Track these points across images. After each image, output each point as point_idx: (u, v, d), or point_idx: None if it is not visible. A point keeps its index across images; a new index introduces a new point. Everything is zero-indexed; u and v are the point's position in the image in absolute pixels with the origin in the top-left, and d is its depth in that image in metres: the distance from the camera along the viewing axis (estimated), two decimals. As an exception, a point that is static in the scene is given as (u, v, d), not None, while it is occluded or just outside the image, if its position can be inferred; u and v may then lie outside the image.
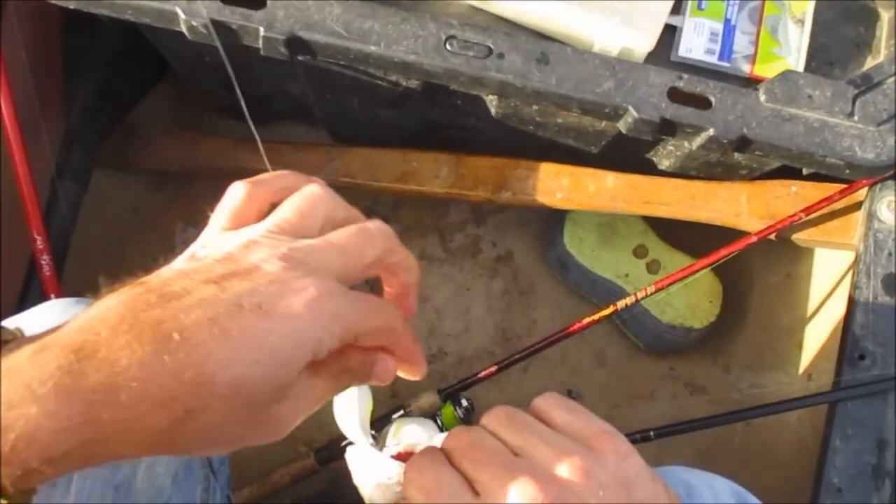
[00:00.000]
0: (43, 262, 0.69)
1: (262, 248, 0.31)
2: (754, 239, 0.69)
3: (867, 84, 0.61)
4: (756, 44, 0.66)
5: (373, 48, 0.60)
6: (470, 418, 0.77)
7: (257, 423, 0.31)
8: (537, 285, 0.98)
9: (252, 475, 0.84)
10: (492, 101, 0.71)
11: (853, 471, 0.62)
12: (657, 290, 0.70)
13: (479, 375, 0.74)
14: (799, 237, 0.73)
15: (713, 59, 0.65)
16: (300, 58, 0.63)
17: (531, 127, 0.74)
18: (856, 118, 0.61)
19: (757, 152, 0.62)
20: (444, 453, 0.33)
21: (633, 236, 0.92)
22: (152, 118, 0.94)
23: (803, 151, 0.60)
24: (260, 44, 0.60)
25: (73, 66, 0.82)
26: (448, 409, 0.75)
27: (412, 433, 0.47)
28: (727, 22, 0.66)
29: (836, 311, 0.79)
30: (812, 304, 0.85)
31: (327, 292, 0.31)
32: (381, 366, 0.35)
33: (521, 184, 0.79)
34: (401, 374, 0.37)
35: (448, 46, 0.60)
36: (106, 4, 0.59)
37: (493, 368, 0.74)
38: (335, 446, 0.81)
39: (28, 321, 0.50)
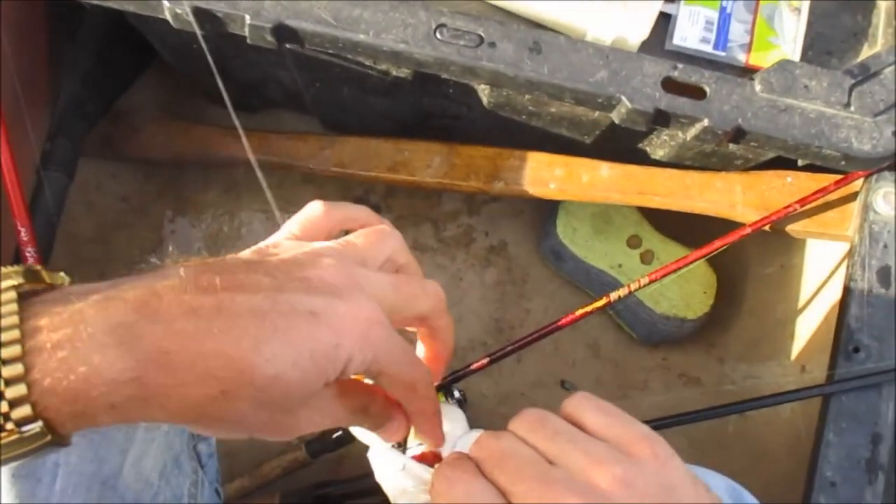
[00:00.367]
0: (28, 255, 0.68)
1: (327, 261, 0.33)
2: (749, 230, 0.69)
3: (864, 74, 0.60)
4: (752, 32, 0.65)
5: (362, 37, 0.59)
6: (463, 410, 0.76)
7: (274, 422, 0.32)
8: (531, 275, 0.97)
9: (243, 467, 0.84)
10: (484, 91, 0.70)
11: (847, 464, 0.61)
12: (651, 282, 0.69)
13: (472, 367, 0.73)
14: (794, 228, 0.73)
15: (708, 49, 0.64)
16: (288, 46, 0.62)
17: (524, 117, 0.73)
18: (852, 109, 0.60)
19: (752, 143, 0.61)
20: (475, 462, 0.32)
21: (627, 226, 0.92)
22: (140, 106, 0.93)
23: (799, 143, 0.60)
24: (246, 32, 0.59)
25: (58, 54, 0.81)
26: (441, 399, 0.74)
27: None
28: (722, 10, 0.65)
29: (829, 302, 0.79)
30: (806, 296, 0.84)
31: (376, 320, 0.32)
32: (394, 424, 0.37)
33: (514, 174, 0.78)
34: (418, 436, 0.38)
35: (438, 35, 0.59)
36: (89, -9, 0.58)
37: (486, 360, 0.73)
38: (327, 439, 0.81)
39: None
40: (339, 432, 0.78)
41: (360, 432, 0.43)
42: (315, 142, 0.83)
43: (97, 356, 0.27)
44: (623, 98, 0.59)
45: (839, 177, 0.69)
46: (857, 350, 0.64)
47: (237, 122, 0.48)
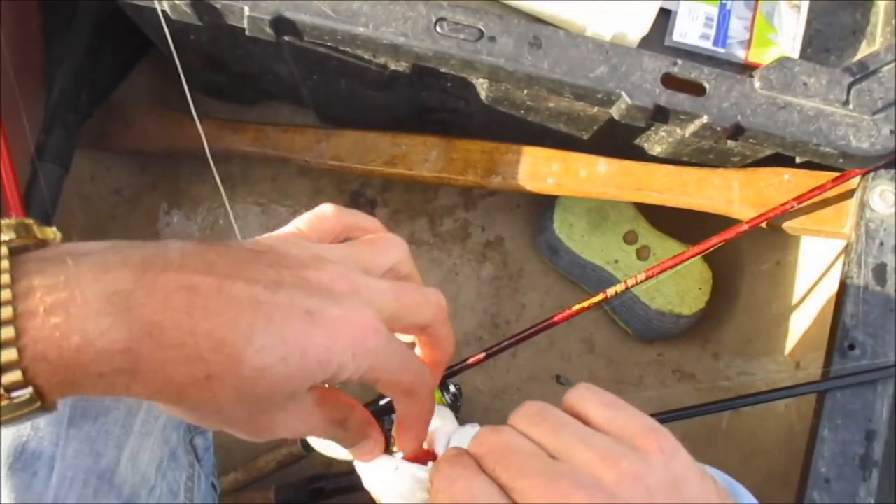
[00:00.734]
0: (23, 246, 0.67)
1: (330, 265, 0.33)
2: (746, 227, 0.69)
3: (863, 72, 0.61)
4: (751, 29, 0.65)
5: (361, 30, 0.58)
6: (458, 404, 0.76)
7: (250, 419, 0.31)
8: (526, 270, 0.97)
9: (237, 461, 0.83)
10: (482, 85, 0.69)
11: (841, 461, 0.62)
12: (647, 278, 0.69)
13: (468, 362, 0.73)
14: (791, 225, 0.73)
15: (708, 45, 0.64)
16: (286, 38, 0.62)
17: (522, 111, 0.73)
18: (851, 107, 0.60)
19: (751, 140, 0.61)
20: (474, 459, 0.31)
21: (624, 222, 0.92)
22: (135, 97, 0.93)
23: (798, 140, 0.60)
24: (245, 23, 0.59)
25: (53, 45, 0.80)
26: (436, 395, 0.74)
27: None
28: (722, 6, 0.65)
29: (824, 299, 0.79)
30: (800, 292, 0.85)
31: (372, 328, 0.32)
32: (369, 444, 0.37)
33: (512, 168, 0.78)
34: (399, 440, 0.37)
35: (438, 29, 0.59)
36: (86, -19, 0.58)
37: (482, 355, 0.73)
38: (322, 432, 0.80)
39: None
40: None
41: (322, 447, 0.42)
42: (312, 135, 0.83)
43: (91, 324, 0.26)
44: (623, 94, 0.59)
45: (836, 174, 0.69)
46: (852, 347, 0.64)
47: (194, 112, 0.47)
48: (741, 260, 0.95)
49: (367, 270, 0.34)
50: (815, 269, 0.82)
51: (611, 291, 0.70)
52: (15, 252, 0.27)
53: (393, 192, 0.98)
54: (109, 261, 0.28)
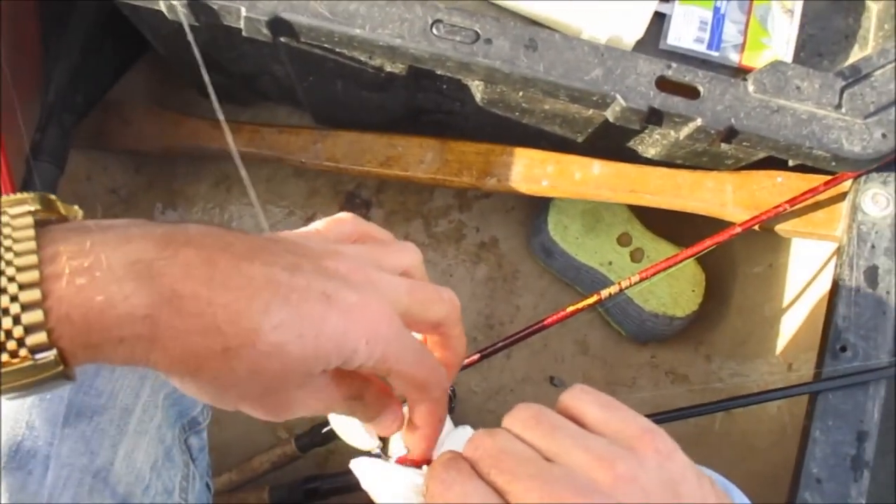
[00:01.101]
0: (18, 245, 0.67)
1: (347, 257, 0.33)
2: (739, 230, 0.69)
3: (855, 76, 0.61)
4: (745, 33, 0.65)
5: (357, 31, 0.59)
6: (452, 405, 0.76)
7: (267, 397, 0.32)
8: (521, 272, 0.98)
9: (232, 461, 0.83)
10: (478, 87, 0.70)
11: (832, 462, 0.62)
12: (641, 280, 0.70)
13: (462, 363, 0.73)
14: (783, 228, 0.73)
15: (702, 48, 0.65)
16: (283, 39, 0.62)
17: (517, 113, 0.73)
18: (843, 110, 0.60)
19: (744, 143, 0.62)
20: (469, 462, 0.31)
21: (618, 224, 0.92)
22: (132, 97, 0.93)
23: (791, 143, 0.60)
24: (242, 24, 0.59)
25: (49, 44, 0.80)
26: None
27: None
28: (716, 10, 0.65)
29: (815, 301, 0.79)
30: (792, 294, 0.85)
31: (386, 317, 0.32)
32: (389, 415, 0.37)
33: (507, 170, 0.78)
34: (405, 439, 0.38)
35: (434, 31, 0.59)
36: (83, -19, 0.58)
37: (476, 356, 0.73)
38: (316, 433, 0.81)
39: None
40: (329, 427, 0.78)
41: (344, 431, 0.42)
42: (307, 136, 0.83)
43: (114, 288, 0.27)
44: (618, 96, 0.59)
45: (829, 177, 0.69)
46: (844, 349, 0.65)
47: (220, 113, 0.47)
48: (734, 262, 0.96)
49: (380, 267, 0.35)
50: (807, 271, 0.83)
51: (605, 293, 0.70)
52: (39, 224, 0.28)
53: (388, 193, 0.98)
54: (132, 233, 0.28)
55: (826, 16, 0.68)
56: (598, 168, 0.77)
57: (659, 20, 0.65)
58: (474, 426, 0.37)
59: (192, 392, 0.31)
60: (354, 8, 0.59)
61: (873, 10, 0.68)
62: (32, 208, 0.28)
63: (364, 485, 0.40)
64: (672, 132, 0.65)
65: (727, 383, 0.92)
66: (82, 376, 0.49)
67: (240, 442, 0.85)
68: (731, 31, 0.65)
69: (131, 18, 0.72)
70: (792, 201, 0.70)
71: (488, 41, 0.59)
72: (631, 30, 0.62)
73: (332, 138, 0.82)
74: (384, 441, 0.42)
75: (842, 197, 0.71)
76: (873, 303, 0.65)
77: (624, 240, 0.92)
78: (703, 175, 0.76)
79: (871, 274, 0.66)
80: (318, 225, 0.37)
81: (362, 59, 0.67)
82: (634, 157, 0.78)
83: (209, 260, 0.29)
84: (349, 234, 0.37)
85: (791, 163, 0.66)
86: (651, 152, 0.77)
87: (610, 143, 0.76)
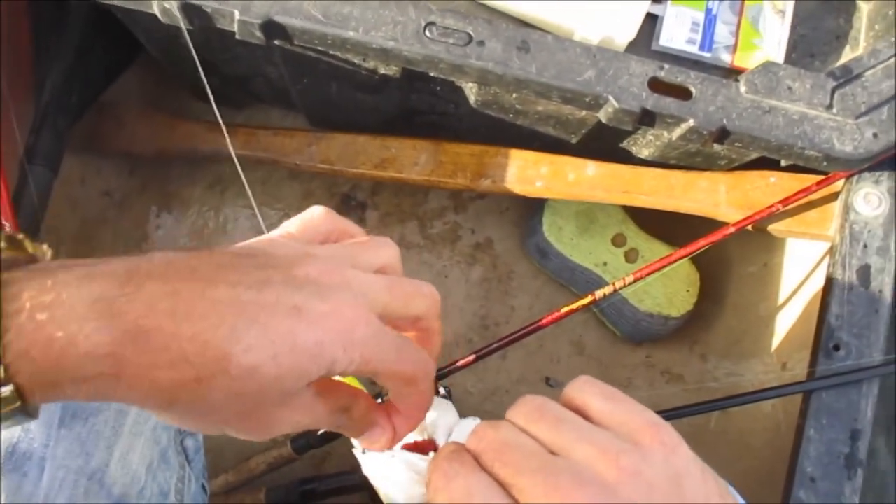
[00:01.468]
0: (12, 249, 0.67)
1: (319, 260, 0.33)
2: (732, 230, 0.69)
3: (846, 76, 0.61)
4: (737, 34, 0.66)
5: (351, 34, 0.59)
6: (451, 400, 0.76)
7: (249, 418, 0.31)
8: (516, 273, 0.98)
9: (228, 463, 0.83)
10: (471, 89, 0.70)
11: (826, 460, 0.62)
12: (635, 280, 0.70)
13: (457, 364, 0.73)
14: (776, 228, 0.74)
15: (694, 49, 0.65)
16: (277, 42, 0.62)
17: (511, 115, 0.73)
18: (835, 110, 0.61)
19: (737, 143, 0.62)
20: (473, 454, 0.31)
21: (612, 225, 0.92)
22: (126, 100, 0.93)
23: (782, 143, 0.60)
24: (235, 27, 0.59)
25: (42, 47, 0.80)
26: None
27: (427, 419, 0.42)
28: (708, 11, 0.66)
29: (809, 300, 0.80)
30: (786, 294, 0.86)
31: (362, 319, 0.32)
32: (376, 432, 0.36)
33: (501, 171, 0.79)
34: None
35: (428, 33, 0.59)
36: (76, -15, 0.58)
37: (472, 357, 0.73)
38: (312, 435, 0.81)
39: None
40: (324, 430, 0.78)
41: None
42: (302, 138, 0.83)
43: (75, 326, 0.27)
44: (610, 97, 0.59)
45: (821, 177, 0.70)
46: (837, 347, 0.65)
47: (220, 119, 0.47)
48: (728, 262, 0.96)
49: (356, 265, 0.34)
50: (801, 270, 0.83)
51: (599, 293, 0.71)
52: (6, 263, 0.28)
53: (383, 195, 0.98)
54: (95, 271, 0.28)
55: (817, 16, 0.68)
56: (592, 169, 0.77)
57: (651, 21, 0.66)
58: None
59: (173, 422, 0.31)
60: (348, 11, 0.59)
61: (864, 10, 0.69)
62: None
63: (366, 471, 0.40)
64: (665, 133, 0.66)
65: (722, 383, 0.92)
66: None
67: (236, 444, 0.85)
68: (722, 32, 0.65)
69: (125, 21, 0.72)
70: (785, 201, 0.70)
71: (481, 43, 0.59)
72: (623, 31, 0.62)
73: (327, 140, 0.83)
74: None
75: (834, 197, 0.71)
76: (866, 301, 0.66)
77: (618, 240, 0.92)
78: (696, 175, 0.76)
79: (864, 273, 0.67)
80: (291, 227, 0.36)
81: (356, 61, 0.67)
82: (628, 158, 0.78)
83: (173, 291, 0.29)
84: (324, 232, 0.37)
85: (783, 163, 0.66)
86: (645, 153, 0.77)
87: (604, 144, 0.76)
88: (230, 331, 0.29)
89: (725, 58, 0.65)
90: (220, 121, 0.55)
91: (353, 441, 0.40)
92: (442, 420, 0.40)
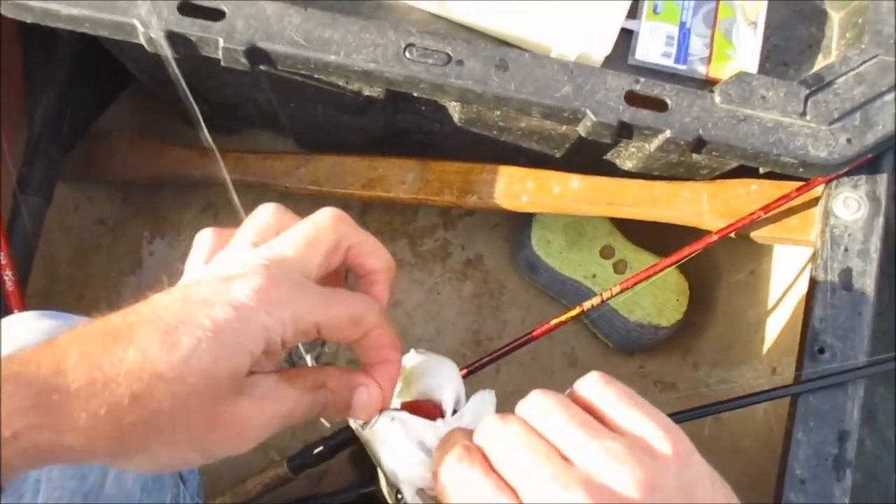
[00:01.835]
0: (6, 278, 0.68)
1: (227, 262, 0.34)
2: (715, 237, 0.71)
3: (818, 84, 0.63)
4: (711, 46, 0.67)
5: (333, 57, 0.60)
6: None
7: (217, 419, 0.30)
8: (507, 287, 0.99)
9: (225, 485, 0.84)
10: (455, 108, 0.71)
11: (815, 462, 0.63)
12: (623, 290, 0.71)
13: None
14: (759, 234, 0.75)
15: (670, 62, 0.67)
16: (262, 68, 0.63)
17: (495, 132, 0.75)
18: (808, 117, 0.62)
19: (714, 152, 0.63)
20: (480, 452, 0.30)
21: (600, 237, 0.93)
22: (117, 127, 0.94)
23: (758, 151, 0.62)
24: (220, 55, 0.60)
25: (33, 78, 0.82)
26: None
27: (426, 384, 0.40)
28: (682, 25, 0.67)
29: (796, 305, 0.81)
30: (775, 300, 0.87)
31: (274, 281, 0.32)
32: (360, 394, 0.35)
33: (487, 187, 0.80)
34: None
35: (408, 54, 0.61)
36: (63, 18, 0.59)
37: (464, 371, 0.74)
38: (308, 454, 0.81)
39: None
40: (321, 447, 0.78)
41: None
42: (290, 161, 0.85)
43: None
44: (588, 111, 0.61)
45: (801, 183, 0.71)
46: (822, 350, 0.66)
47: (211, 142, 0.49)
48: (717, 271, 0.97)
49: (255, 242, 0.35)
50: (788, 277, 0.84)
51: (587, 304, 0.72)
52: None
53: (373, 214, 0.99)
54: (9, 357, 0.29)
55: (789, 26, 0.70)
56: (576, 182, 0.79)
57: (627, 37, 0.67)
58: None
59: (146, 466, 0.30)
60: (329, 35, 0.60)
61: (835, 19, 0.70)
62: None
63: (372, 450, 0.38)
64: (646, 145, 0.67)
65: (714, 390, 0.93)
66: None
67: (232, 465, 0.85)
68: (697, 45, 0.67)
69: (113, 52, 0.73)
70: (766, 208, 0.71)
71: (460, 62, 0.61)
72: (599, 47, 0.64)
73: (315, 162, 0.84)
74: None
75: (815, 202, 0.72)
76: (849, 304, 0.67)
77: (607, 252, 0.93)
78: (679, 185, 0.77)
79: (846, 276, 0.68)
80: (251, 236, 0.36)
81: (340, 83, 0.69)
82: (613, 171, 0.80)
83: (79, 341, 0.29)
84: (276, 228, 0.37)
85: (762, 170, 0.67)
86: (628, 165, 0.78)
87: (587, 157, 0.77)
88: (146, 343, 0.29)
89: (700, 69, 0.67)
90: (212, 143, 0.56)
91: (352, 422, 0.39)
92: (449, 384, 0.39)
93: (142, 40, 0.60)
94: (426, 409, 0.38)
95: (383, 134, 0.82)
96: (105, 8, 0.59)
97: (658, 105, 0.61)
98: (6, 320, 0.53)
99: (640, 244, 0.94)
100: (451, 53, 0.61)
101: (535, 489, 0.28)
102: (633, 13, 0.67)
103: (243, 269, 0.32)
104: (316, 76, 0.66)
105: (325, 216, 0.37)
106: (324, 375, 0.35)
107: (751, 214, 0.71)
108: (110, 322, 0.30)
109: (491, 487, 0.29)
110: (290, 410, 0.33)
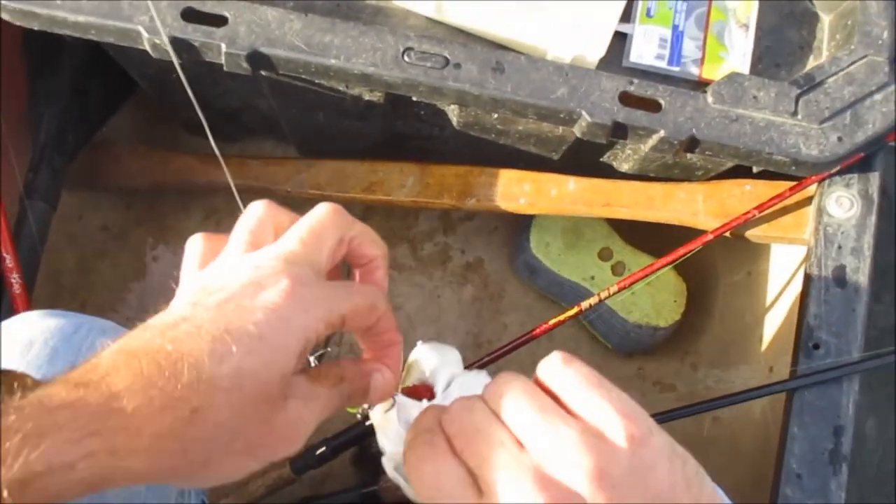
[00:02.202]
0: (13, 281, 0.69)
1: (242, 267, 0.34)
2: (710, 237, 0.72)
3: (809, 84, 0.64)
4: (703, 48, 0.68)
5: (333, 61, 0.62)
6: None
7: (273, 424, 0.31)
8: (507, 291, 1.00)
9: (228, 487, 0.84)
10: (453, 111, 0.72)
11: (811, 457, 0.64)
12: (620, 290, 0.72)
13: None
14: (754, 234, 0.76)
15: (663, 64, 0.68)
16: (263, 73, 0.65)
17: (493, 135, 0.76)
18: (799, 117, 0.63)
19: (707, 152, 0.64)
20: (446, 436, 0.31)
21: (598, 240, 0.95)
22: (121, 136, 0.95)
23: (751, 149, 0.63)
24: (223, 60, 0.62)
25: (38, 86, 0.83)
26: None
27: (426, 370, 0.41)
28: (675, 28, 0.68)
29: (792, 304, 0.82)
30: (771, 300, 0.87)
31: (299, 281, 0.33)
32: (376, 379, 0.37)
33: (486, 190, 0.81)
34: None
35: (406, 58, 0.62)
36: (70, 25, 0.61)
37: (463, 371, 0.75)
38: (310, 455, 0.82)
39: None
40: (323, 448, 0.79)
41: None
42: (292, 166, 0.86)
43: (45, 418, 0.26)
44: (583, 112, 0.62)
45: (794, 183, 0.72)
46: (816, 346, 0.67)
47: (214, 145, 0.50)
48: (715, 272, 0.98)
49: (257, 245, 0.35)
50: (784, 277, 0.85)
51: (586, 304, 0.73)
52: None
53: (374, 219, 1.00)
54: (54, 379, 0.29)
55: (780, 28, 0.71)
56: (573, 184, 0.80)
57: (621, 40, 0.69)
58: None
59: (202, 474, 0.30)
60: (329, 39, 0.62)
61: (825, 21, 0.71)
62: None
63: (378, 434, 0.40)
64: (641, 146, 0.68)
65: (713, 390, 0.93)
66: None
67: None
68: (689, 47, 0.68)
69: (118, 59, 0.74)
70: (760, 207, 0.72)
71: (457, 66, 0.62)
72: (593, 49, 0.65)
73: (316, 167, 0.85)
74: None
75: (808, 201, 0.73)
76: (842, 301, 0.68)
77: (605, 254, 0.94)
78: (674, 186, 0.78)
79: (840, 273, 0.69)
80: (245, 238, 0.36)
81: (340, 88, 0.70)
82: (610, 173, 0.81)
83: (126, 361, 0.29)
84: (270, 229, 0.37)
85: (755, 169, 0.68)
86: (625, 167, 0.79)
87: (584, 159, 0.78)
88: (199, 356, 0.29)
89: (693, 71, 0.68)
90: (215, 147, 0.57)
91: (371, 414, 0.40)
92: (444, 368, 0.40)
93: (146, 46, 0.61)
94: (420, 392, 0.39)
95: (383, 139, 0.84)
96: (110, 15, 0.60)
97: (652, 106, 0.62)
98: (10, 321, 0.54)
99: (639, 247, 0.95)
100: (448, 57, 0.62)
101: (489, 476, 0.29)
102: (627, 17, 0.69)
103: (258, 271, 0.33)
104: (317, 81, 0.67)
105: (325, 211, 0.37)
106: (340, 369, 0.36)
107: (745, 214, 0.72)
108: (150, 340, 0.30)
109: (448, 473, 0.30)
110: (325, 408, 0.34)
